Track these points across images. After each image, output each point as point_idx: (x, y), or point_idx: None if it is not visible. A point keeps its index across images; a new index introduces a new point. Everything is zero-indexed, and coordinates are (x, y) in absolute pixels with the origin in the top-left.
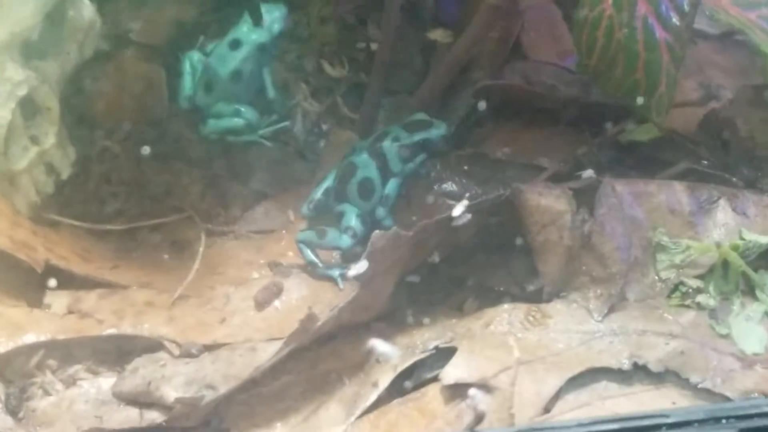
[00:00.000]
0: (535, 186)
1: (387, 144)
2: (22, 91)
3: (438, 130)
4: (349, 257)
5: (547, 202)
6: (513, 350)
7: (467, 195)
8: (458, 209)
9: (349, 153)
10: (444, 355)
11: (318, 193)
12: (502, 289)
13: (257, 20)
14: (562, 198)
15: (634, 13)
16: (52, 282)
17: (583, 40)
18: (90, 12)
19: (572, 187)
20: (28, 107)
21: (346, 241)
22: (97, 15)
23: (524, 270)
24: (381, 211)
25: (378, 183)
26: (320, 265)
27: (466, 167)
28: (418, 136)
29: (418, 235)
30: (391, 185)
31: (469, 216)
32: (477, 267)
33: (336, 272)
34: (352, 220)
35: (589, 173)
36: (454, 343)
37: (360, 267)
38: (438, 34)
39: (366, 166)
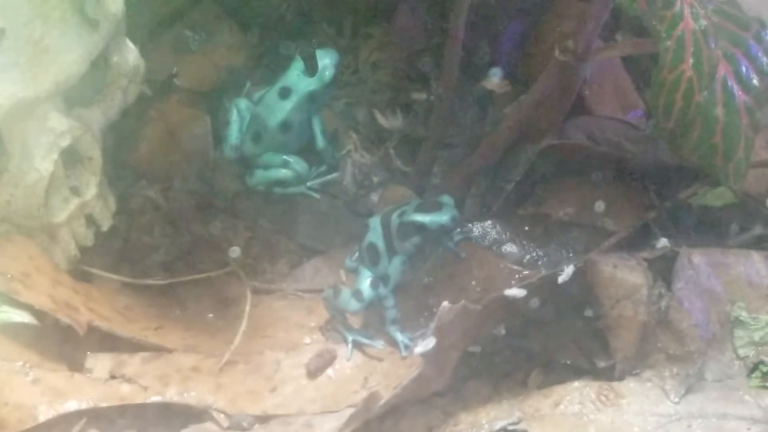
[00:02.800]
0: (609, 257)
1: (394, 216)
2: (66, 142)
3: (439, 218)
4: (367, 320)
5: (623, 274)
6: None
7: (521, 280)
8: (513, 291)
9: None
10: None
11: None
12: (569, 363)
13: (312, 70)
14: (637, 270)
15: (714, 74)
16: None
17: (661, 103)
18: (134, 56)
19: (647, 257)
20: (70, 157)
21: (353, 304)
22: (141, 59)
23: (594, 344)
24: (382, 291)
25: (383, 253)
26: (343, 330)
27: (527, 228)
28: (416, 217)
29: (486, 309)
30: (394, 264)
31: (524, 292)
32: (542, 338)
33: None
34: (363, 284)
35: (663, 243)
36: (522, 425)
37: (427, 344)
38: (494, 84)
39: (375, 231)
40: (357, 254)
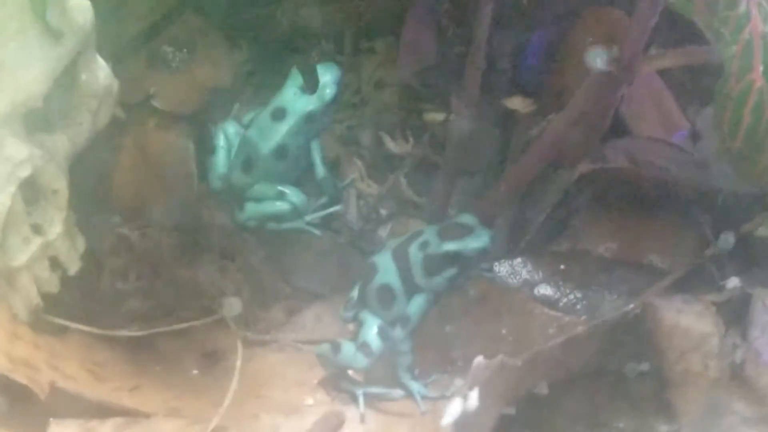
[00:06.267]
0: (671, 301)
1: (413, 249)
2: (25, 173)
3: (476, 242)
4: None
5: (688, 322)
6: None
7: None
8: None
9: (378, 248)
10: None
11: (355, 293)
12: (621, 426)
13: (312, 87)
14: (705, 317)
15: None
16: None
17: (726, 119)
18: (106, 75)
19: (715, 301)
20: (31, 190)
21: (360, 360)
22: (114, 78)
23: (652, 404)
24: (399, 333)
25: (400, 293)
26: (349, 385)
27: (562, 266)
28: (448, 246)
29: (527, 364)
30: (415, 303)
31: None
32: (588, 398)
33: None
34: (369, 334)
35: (734, 282)
36: None
37: (455, 407)
38: (517, 103)
39: (386, 270)
40: (352, 301)
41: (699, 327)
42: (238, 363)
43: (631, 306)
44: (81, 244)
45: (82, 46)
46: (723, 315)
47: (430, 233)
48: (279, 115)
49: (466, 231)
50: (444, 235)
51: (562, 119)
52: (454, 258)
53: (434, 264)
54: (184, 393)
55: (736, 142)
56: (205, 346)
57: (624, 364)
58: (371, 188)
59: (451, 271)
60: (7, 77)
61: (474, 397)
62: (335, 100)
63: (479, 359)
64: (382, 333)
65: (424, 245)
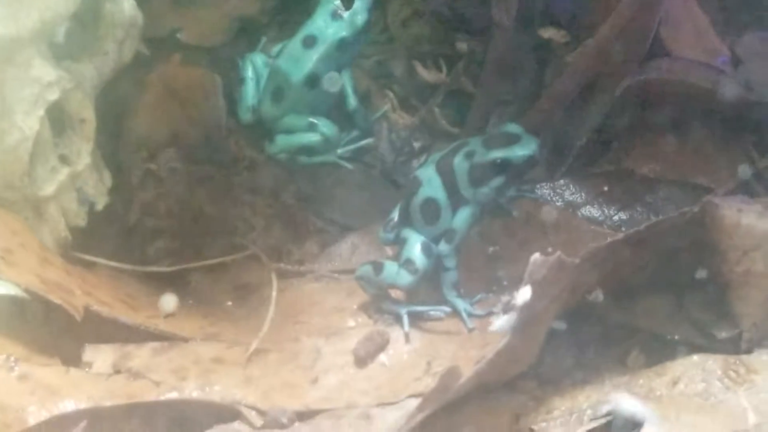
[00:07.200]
0: (731, 200)
1: (458, 160)
2: (53, 96)
3: (523, 150)
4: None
5: (750, 221)
6: (718, 415)
7: None
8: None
9: (420, 163)
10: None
11: (395, 213)
12: (677, 338)
13: (349, 3)
14: (767, 216)
15: None
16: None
17: None
18: (130, 6)
19: None
20: (58, 118)
21: (404, 277)
22: (139, 11)
23: (708, 312)
24: (444, 248)
25: (444, 207)
26: (393, 305)
27: (606, 188)
28: (495, 154)
29: (584, 264)
30: (461, 216)
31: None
32: (639, 309)
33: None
34: (413, 251)
35: None
36: None
37: (514, 306)
38: (551, 33)
39: (431, 183)
40: (393, 222)
41: (761, 225)
42: (274, 292)
43: (691, 207)
44: (108, 178)
45: None
46: None
47: (475, 143)
48: (310, 42)
49: (512, 139)
50: (490, 144)
51: (607, 28)
52: (501, 166)
53: (481, 173)
54: (220, 321)
55: None
56: (237, 279)
57: (681, 270)
58: (404, 119)
59: (498, 181)
60: None
61: (527, 293)
62: (367, 26)
63: (536, 255)
64: (427, 249)
65: (470, 155)
